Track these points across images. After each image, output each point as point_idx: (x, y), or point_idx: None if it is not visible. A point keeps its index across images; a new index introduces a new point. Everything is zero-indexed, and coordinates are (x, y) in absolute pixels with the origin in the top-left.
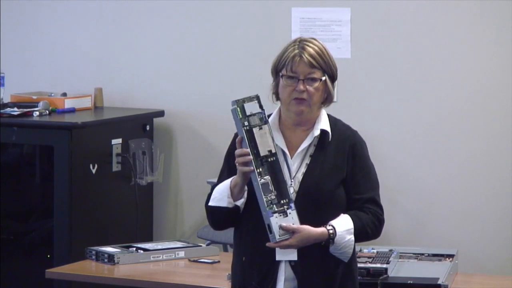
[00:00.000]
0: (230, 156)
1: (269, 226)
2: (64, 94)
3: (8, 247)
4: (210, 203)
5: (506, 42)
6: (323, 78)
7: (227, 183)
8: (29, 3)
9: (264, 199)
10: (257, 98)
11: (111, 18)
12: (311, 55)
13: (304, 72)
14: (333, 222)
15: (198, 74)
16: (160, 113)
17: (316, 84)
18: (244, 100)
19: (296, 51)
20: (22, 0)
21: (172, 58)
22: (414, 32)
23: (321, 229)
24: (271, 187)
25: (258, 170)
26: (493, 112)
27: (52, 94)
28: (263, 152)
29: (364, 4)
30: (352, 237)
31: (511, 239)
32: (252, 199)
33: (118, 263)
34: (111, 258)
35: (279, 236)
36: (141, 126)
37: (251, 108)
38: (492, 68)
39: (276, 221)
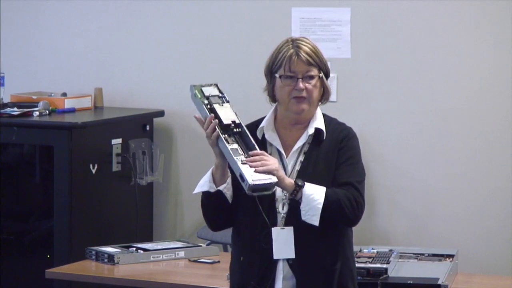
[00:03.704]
0: None
1: (242, 176)
2: (64, 94)
3: (8, 247)
4: (194, 191)
5: (506, 42)
6: (320, 75)
7: (209, 170)
8: (29, 3)
9: (235, 158)
10: (216, 85)
11: (111, 18)
12: (307, 53)
13: (302, 71)
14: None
15: (197, 74)
16: (160, 113)
17: (314, 81)
18: (202, 85)
19: (292, 50)
20: (22, 0)
21: (172, 58)
22: (414, 32)
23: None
24: (241, 152)
25: (224, 136)
26: (493, 112)
27: (52, 94)
28: (226, 121)
29: (364, 4)
30: (322, 196)
31: (511, 239)
32: (247, 198)
33: (118, 263)
34: (111, 258)
35: (252, 180)
36: (141, 126)
37: (211, 92)
38: (492, 68)
39: (246, 167)
